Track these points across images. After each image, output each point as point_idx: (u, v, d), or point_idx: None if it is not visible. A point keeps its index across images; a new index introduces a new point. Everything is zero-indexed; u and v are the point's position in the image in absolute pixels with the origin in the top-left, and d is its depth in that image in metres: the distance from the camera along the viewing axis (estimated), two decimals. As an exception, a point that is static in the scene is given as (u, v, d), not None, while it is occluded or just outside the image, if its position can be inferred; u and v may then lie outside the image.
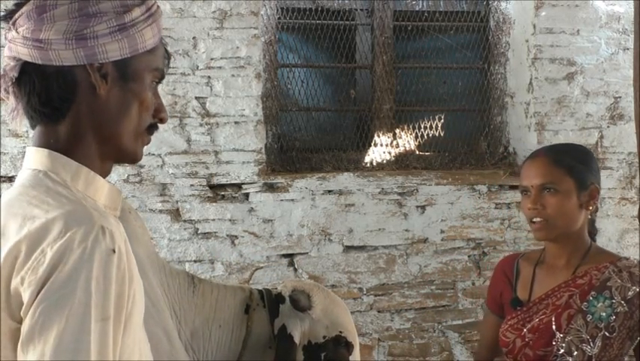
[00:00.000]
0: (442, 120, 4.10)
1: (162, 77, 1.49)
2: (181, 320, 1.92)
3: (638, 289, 2.28)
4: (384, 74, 3.99)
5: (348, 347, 1.96)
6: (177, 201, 3.60)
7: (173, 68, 3.55)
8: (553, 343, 2.30)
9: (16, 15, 1.39)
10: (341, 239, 3.74)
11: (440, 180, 3.83)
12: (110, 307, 1.25)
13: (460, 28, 4.11)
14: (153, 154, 3.55)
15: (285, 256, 3.70)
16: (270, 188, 3.67)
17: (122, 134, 1.42)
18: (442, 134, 4.10)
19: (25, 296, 1.24)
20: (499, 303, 2.49)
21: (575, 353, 2.28)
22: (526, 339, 2.34)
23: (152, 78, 1.45)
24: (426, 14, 4.08)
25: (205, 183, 3.62)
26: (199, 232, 3.62)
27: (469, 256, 3.86)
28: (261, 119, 3.68)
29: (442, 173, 3.87)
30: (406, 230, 3.79)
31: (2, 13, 1.42)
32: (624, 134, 3.94)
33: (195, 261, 3.62)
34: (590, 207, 2.35)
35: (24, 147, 3.22)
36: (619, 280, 2.30)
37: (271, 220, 3.67)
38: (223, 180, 3.63)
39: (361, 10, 4.02)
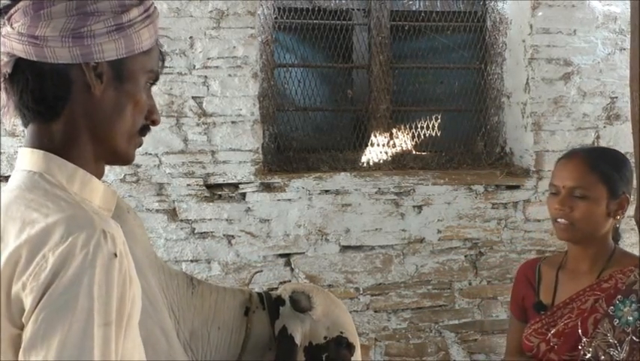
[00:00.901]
0: (439, 120, 4.10)
1: (156, 79, 1.48)
2: (179, 320, 1.92)
3: None
4: (381, 74, 3.99)
5: (350, 347, 1.96)
6: (174, 201, 3.59)
7: (169, 67, 3.54)
8: (579, 347, 2.28)
9: (12, 10, 1.37)
10: (338, 239, 3.74)
11: (437, 180, 3.83)
12: (112, 312, 1.25)
13: (456, 28, 4.11)
14: (150, 154, 3.54)
15: (281, 255, 3.70)
16: (267, 188, 3.67)
17: (115, 135, 1.41)
18: (438, 134, 4.10)
19: (27, 302, 1.23)
20: (522, 308, 2.46)
21: (603, 357, 2.25)
22: (551, 344, 2.32)
23: (146, 79, 1.44)
24: (423, 14, 4.08)
25: (202, 183, 3.61)
26: (196, 231, 3.62)
27: (465, 256, 3.86)
28: (258, 118, 3.67)
29: (439, 173, 3.87)
30: (403, 230, 3.79)
31: None
32: (621, 135, 3.94)
33: (192, 261, 3.61)
34: (618, 217, 2.33)
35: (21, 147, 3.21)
36: None
37: (268, 220, 3.67)
38: (220, 180, 3.63)
39: (358, 10, 4.01)
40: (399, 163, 3.97)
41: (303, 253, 3.71)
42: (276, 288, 2.09)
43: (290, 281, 3.64)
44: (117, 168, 3.48)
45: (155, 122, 1.47)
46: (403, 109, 4.06)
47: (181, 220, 3.60)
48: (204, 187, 3.61)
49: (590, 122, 3.95)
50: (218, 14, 3.61)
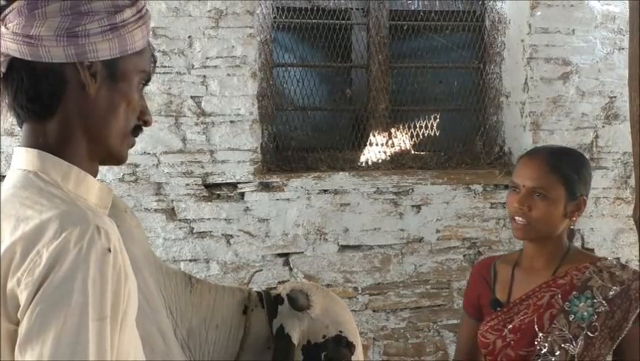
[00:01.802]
0: (438, 120, 4.10)
1: (148, 80, 1.49)
2: (177, 319, 1.92)
3: (618, 289, 2.29)
4: (380, 74, 3.99)
5: (350, 346, 1.95)
6: (172, 201, 3.59)
7: (168, 67, 3.54)
8: (535, 343, 2.30)
9: (7, 10, 1.38)
10: (336, 238, 3.74)
11: (435, 180, 3.83)
12: (106, 307, 1.25)
13: (455, 27, 4.11)
14: (148, 153, 3.54)
15: (280, 255, 3.70)
16: (266, 187, 3.67)
17: (109, 133, 1.42)
18: (437, 134, 4.10)
19: (22, 298, 1.24)
20: (477, 307, 2.48)
21: (558, 352, 2.28)
22: (507, 340, 2.33)
23: (139, 80, 1.45)
24: (421, 14, 4.08)
25: (200, 183, 3.61)
26: (194, 231, 3.62)
27: (464, 256, 3.86)
28: (257, 118, 3.67)
29: (438, 172, 3.87)
30: (402, 230, 3.79)
31: None
32: (619, 134, 3.94)
33: (190, 260, 3.61)
34: (574, 218, 2.35)
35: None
36: (600, 280, 2.31)
37: (266, 220, 3.67)
38: (218, 180, 3.63)
39: (357, 9, 4.01)
40: (397, 163, 3.97)
41: (302, 252, 3.71)
42: (275, 288, 2.08)
43: (289, 281, 3.64)
44: (116, 168, 3.48)
45: (147, 123, 1.48)
46: (402, 109, 4.06)
47: (179, 220, 3.60)
48: (203, 187, 3.61)
49: (588, 121, 3.95)
50: (217, 14, 3.61)
